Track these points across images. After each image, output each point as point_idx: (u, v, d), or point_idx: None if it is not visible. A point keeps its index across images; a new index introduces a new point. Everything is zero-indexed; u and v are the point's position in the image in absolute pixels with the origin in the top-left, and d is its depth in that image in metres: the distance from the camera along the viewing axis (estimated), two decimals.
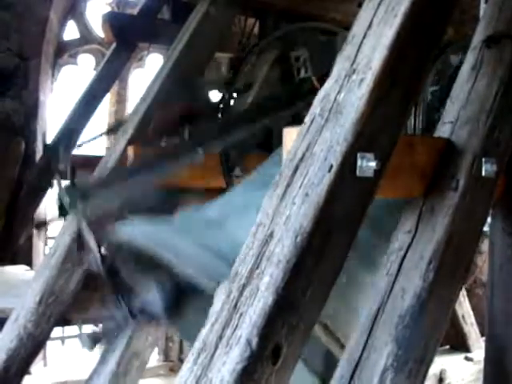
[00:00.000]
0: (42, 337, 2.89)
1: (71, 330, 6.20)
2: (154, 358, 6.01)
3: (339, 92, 1.52)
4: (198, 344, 1.40)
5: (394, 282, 1.78)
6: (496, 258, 2.23)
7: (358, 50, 1.58)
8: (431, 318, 1.77)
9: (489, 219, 2.16)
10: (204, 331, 1.42)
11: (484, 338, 2.37)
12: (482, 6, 2.21)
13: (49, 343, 4.85)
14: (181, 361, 5.83)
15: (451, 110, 1.96)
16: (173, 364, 6.03)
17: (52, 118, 5.82)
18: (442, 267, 1.77)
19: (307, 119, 1.53)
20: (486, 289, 2.30)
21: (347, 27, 1.74)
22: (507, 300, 2.18)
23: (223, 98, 3.57)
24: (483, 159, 1.85)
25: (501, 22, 2.07)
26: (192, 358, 1.40)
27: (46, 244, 5.96)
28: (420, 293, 1.73)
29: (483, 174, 1.84)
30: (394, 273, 1.79)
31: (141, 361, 3.17)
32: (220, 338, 1.38)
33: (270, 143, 3.31)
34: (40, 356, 5.33)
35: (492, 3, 2.15)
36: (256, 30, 3.78)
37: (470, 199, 1.82)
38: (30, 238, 5.43)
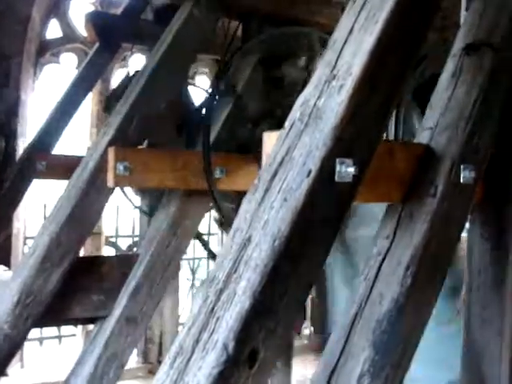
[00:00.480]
0: (19, 338, 2.86)
1: (49, 330, 6.17)
2: (133, 360, 5.98)
3: (319, 97, 1.52)
4: (174, 348, 1.40)
5: (371, 287, 1.78)
6: (474, 264, 2.25)
7: (338, 56, 1.58)
8: (409, 323, 1.78)
9: (467, 225, 2.18)
10: (181, 335, 1.41)
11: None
12: (463, 13, 2.23)
13: (26, 344, 4.80)
14: (160, 363, 5.81)
15: (431, 116, 1.97)
16: (152, 366, 5.99)
17: (33, 116, 5.77)
18: (420, 272, 1.78)
19: (287, 124, 1.54)
20: (464, 294, 2.32)
21: (331, 31, 1.74)
22: (484, 306, 2.20)
23: (206, 99, 3.58)
24: (462, 166, 1.86)
25: (481, 30, 2.08)
26: (168, 361, 1.40)
27: (25, 244, 5.91)
28: (397, 298, 1.74)
29: (461, 180, 1.85)
30: (372, 278, 1.79)
31: (119, 362, 3.15)
32: (196, 342, 1.37)
33: (250, 145, 3.32)
34: (17, 357, 5.28)
35: (472, 11, 2.17)
36: (239, 32, 3.79)
37: (448, 205, 1.83)
38: (8, 238, 5.37)
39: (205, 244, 4.21)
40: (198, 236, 4.03)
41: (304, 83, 1.60)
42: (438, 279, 1.88)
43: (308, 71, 3.36)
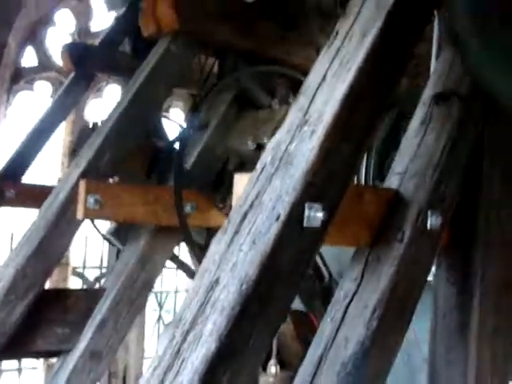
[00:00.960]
0: None
1: (9, 363, 6.04)
2: None
3: (290, 142, 1.54)
4: None
5: (337, 329, 1.79)
6: (439, 307, 2.27)
7: (311, 102, 1.61)
8: (374, 365, 1.79)
9: (433, 269, 2.21)
10: (146, 375, 1.40)
11: None
12: (433, 62, 2.29)
13: (5, 374, 4.69)
14: None
15: (400, 161, 2.01)
16: None
17: (4, 143, 5.73)
18: (386, 316, 1.79)
19: (258, 166, 1.55)
20: (429, 337, 2.34)
21: (306, 72, 1.77)
22: (449, 348, 2.22)
23: (179, 134, 3.60)
24: (429, 212, 1.89)
25: (450, 80, 2.14)
26: None
27: None
28: (363, 341, 1.75)
29: (428, 226, 1.88)
30: (338, 320, 1.80)
31: None
32: (161, 383, 1.36)
33: (221, 183, 3.33)
34: None
35: (442, 60, 2.23)
36: (215, 68, 3.83)
37: (415, 250, 1.86)
38: None
39: (181, 263, 4.18)
40: (173, 257, 3.99)
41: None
42: (404, 322, 1.90)
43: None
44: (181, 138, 3.24)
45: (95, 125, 3.58)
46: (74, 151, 3.76)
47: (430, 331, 2.29)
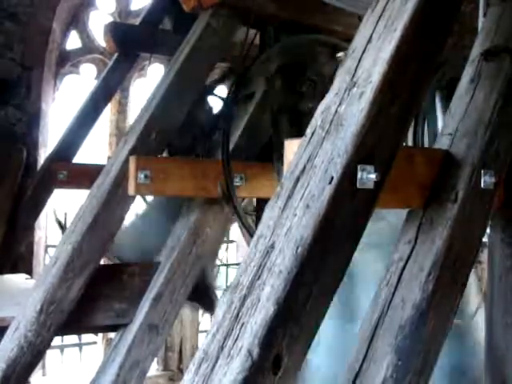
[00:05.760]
0: (43, 346, 2.89)
1: (70, 338, 6.22)
2: (153, 368, 6.01)
3: (340, 105, 1.54)
4: (199, 354, 1.42)
5: (393, 293, 1.79)
6: (495, 269, 2.24)
7: (358, 64, 1.60)
8: (431, 328, 1.78)
9: (488, 230, 2.18)
10: (205, 341, 1.43)
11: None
12: (481, 19, 2.24)
13: (48, 352, 4.86)
14: (180, 370, 5.84)
15: (450, 122, 1.98)
16: (172, 373, 6.02)
17: (54, 126, 5.85)
18: (442, 278, 1.78)
19: (308, 131, 1.56)
20: (486, 299, 2.31)
21: (348, 39, 1.76)
22: (506, 311, 2.19)
23: (224, 107, 3.61)
24: (482, 171, 1.87)
25: (499, 36, 2.09)
26: (193, 368, 1.41)
27: (46, 252, 5.97)
28: (420, 303, 1.75)
29: (482, 185, 1.86)
30: (394, 283, 1.80)
31: (141, 370, 3.17)
32: (221, 348, 1.39)
33: (270, 153, 3.33)
34: (39, 365, 5.33)
35: (490, 17, 2.18)
36: (257, 40, 3.81)
37: (469, 211, 1.84)
38: (30, 246, 5.44)
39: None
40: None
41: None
42: (459, 284, 1.88)
43: None
44: (225, 111, 3.25)
45: None
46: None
47: (486, 294, 2.27)
